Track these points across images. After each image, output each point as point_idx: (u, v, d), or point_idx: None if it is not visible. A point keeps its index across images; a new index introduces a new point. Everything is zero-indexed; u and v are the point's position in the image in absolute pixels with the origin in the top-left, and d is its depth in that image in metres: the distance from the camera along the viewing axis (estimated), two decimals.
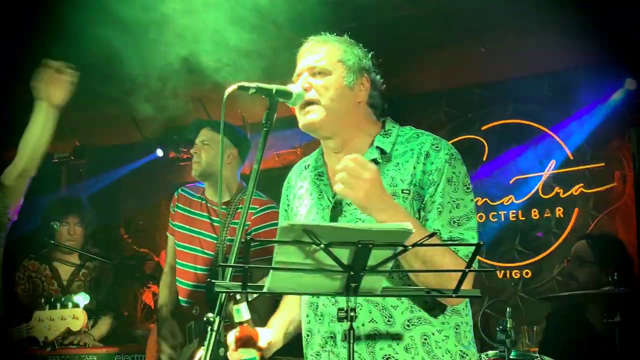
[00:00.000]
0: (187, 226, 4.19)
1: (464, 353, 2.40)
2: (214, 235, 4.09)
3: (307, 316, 2.51)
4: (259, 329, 2.48)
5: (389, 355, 2.34)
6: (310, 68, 2.47)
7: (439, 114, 5.93)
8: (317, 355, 2.46)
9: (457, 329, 2.41)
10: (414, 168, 2.39)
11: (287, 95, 2.42)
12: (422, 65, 5.50)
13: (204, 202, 4.19)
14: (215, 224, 4.10)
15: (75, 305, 3.15)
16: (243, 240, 1.90)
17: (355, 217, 2.39)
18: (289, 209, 2.67)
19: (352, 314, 2.00)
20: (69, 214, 5.31)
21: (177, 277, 4.18)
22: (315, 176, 2.56)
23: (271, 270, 1.95)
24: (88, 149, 7.22)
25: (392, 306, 2.35)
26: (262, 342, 2.44)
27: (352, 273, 1.94)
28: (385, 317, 2.35)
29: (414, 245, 1.86)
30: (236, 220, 4.03)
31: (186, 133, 6.49)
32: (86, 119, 6.89)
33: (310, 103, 2.44)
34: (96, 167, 7.14)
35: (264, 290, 1.99)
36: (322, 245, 1.84)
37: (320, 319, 2.45)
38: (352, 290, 1.99)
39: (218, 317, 2.15)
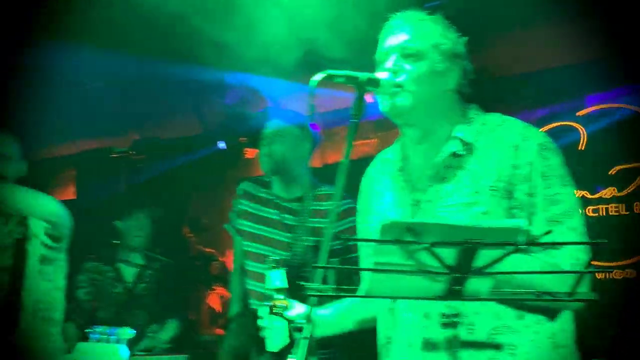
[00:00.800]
0: (255, 224, 4.18)
1: None
2: (287, 234, 4.07)
3: (386, 321, 2.48)
4: (297, 303, 2.59)
5: None
6: (401, 48, 2.44)
7: (528, 99, 5.83)
8: None
9: (553, 338, 2.34)
10: (501, 161, 2.34)
11: (375, 83, 2.42)
12: (508, 45, 5.42)
13: (272, 198, 4.18)
14: (286, 222, 4.09)
15: (120, 341, 3.23)
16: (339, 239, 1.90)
17: (437, 214, 2.37)
18: (368, 206, 2.66)
19: (455, 319, 2.00)
20: (136, 210, 5.44)
21: (248, 280, 4.18)
22: (395, 171, 2.54)
23: (369, 273, 1.95)
24: (148, 143, 7.34)
25: (474, 313, 2.29)
26: (292, 313, 2.51)
27: (456, 275, 1.93)
28: (469, 323, 2.29)
29: (528, 244, 1.83)
30: (313, 219, 4.01)
31: (253, 124, 6.57)
32: (145, 112, 7.03)
33: (398, 87, 2.43)
34: (157, 161, 7.25)
35: (359, 293, 2.00)
36: (426, 245, 1.84)
37: (401, 325, 2.42)
38: (455, 293, 1.98)
39: (309, 324, 2.16)
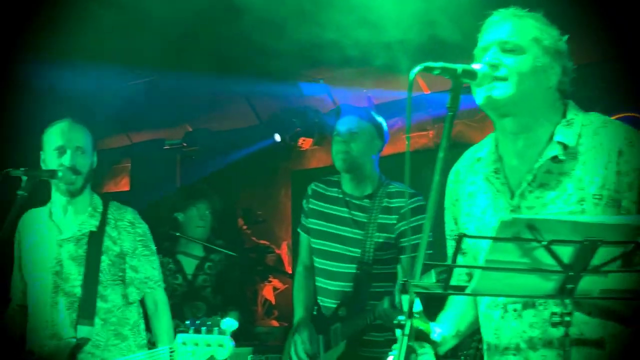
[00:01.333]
0: (325, 222, 4.17)
1: None
2: (358, 230, 4.06)
3: (489, 321, 2.43)
4: (430, 323, 2.45)
5: None
6: (501, 43, 2.37)
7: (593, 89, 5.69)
8: None
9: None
10: (606, 168, 2.26)
11: (472, 75, 2.36)
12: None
13: (342, 196, 4.18)
14: (356, 219, 4.08)
15: (222, 332, 3.17)
16: (457, 235, 1.85)
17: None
18: (458, 206, 2.59)
19: (567, 319, 1.95)
20: (198, 200, 5.44)
21: (318, 277, 4.19)
22: (490, 173, 2.47)
23: (479, 270, 1.91)
24: (201, 134, 7.34)
25: (585, 312, 2.23)
26: (435, 336, 2.35)
27: (571, 274, 1.88)
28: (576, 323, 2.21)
29: None
30: (384, 215, 4.00)
31: (310, 117, 6.55)
32: (198, 103, 7.03)
33: (497, 81, 2.37)
34: (210, 153, 7.24)
35: (467, 291, 1.96)
36: (544, 243, 1.79)
37: (507, 325, 2.37)
38: (567, 292, 1.93)
39: (409, 320, 2.12)
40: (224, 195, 6.21)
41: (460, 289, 1.98)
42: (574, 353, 2.17)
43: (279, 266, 6.84)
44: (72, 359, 3.47)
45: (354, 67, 5.83)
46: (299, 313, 4.25)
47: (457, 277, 2.57)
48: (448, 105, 2.32)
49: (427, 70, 2.29)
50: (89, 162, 3.68)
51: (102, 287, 3.63)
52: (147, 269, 3.77)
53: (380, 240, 3.97)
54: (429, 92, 6.02)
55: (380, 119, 4.18)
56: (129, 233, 3.73)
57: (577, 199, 2.26)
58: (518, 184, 2.39)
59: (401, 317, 2.12)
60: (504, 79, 2.34)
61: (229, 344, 3.15)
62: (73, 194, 3.64)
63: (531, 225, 1.78)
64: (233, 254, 5.40)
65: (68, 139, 3.62)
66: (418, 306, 2.29)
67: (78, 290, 3.58)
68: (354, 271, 4.02)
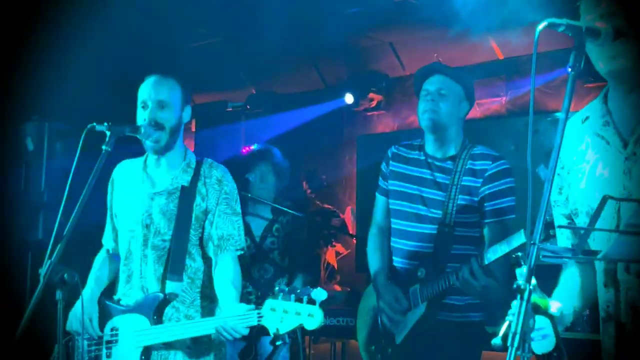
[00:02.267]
0: (406, 184, 4.08)
1: None
2: (440, 193, 3.98)
3: (604, 288, 2.29)
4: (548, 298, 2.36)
5: None
6: None
7: None
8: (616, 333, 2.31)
9: None
10: None
11: (597, 33, 2.26)
12: None
13: (424, 158, 4.08)
14: (439, 180, 4.00)
15: (311, 301, 3.10)
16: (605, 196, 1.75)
17: None
18: (563, 170, 2.49)
19: None
20: (261, 162, 5.39)
21: (395, 238, 4.12)
22: (599, 127, 2.38)
23: (617, 234, 1.82)
24: (265, 97, 7.30)
25: None
26: (554, 311, 2.25)
27: None
28: None
29: None
30: (468, 177, 3.90)
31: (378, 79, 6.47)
32: (263, 65, 6.98)
33: (618, 36, 2.27)
34: (274, 116, 7.20)
35: (600, 257, 1.87)
36: None
37: (620, 291, 2.28)
38: None
39: (529, 285, 2.03)
40: (289, 158, 6.18)
41: (592, 254, 1.88)
42: None
43: (343, 230, 6.79)
44: (158, 312, 3.45)
45: (424, 31, 5.72)
46: (376, 271, 4.18)
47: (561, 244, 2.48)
48: (570, 65, 2.23)
49: (552, 26, 2.19)
50: (173, 116, 3.58)
51: (191, 245, 3.58)
52: (228, 227, 3.62)
53: (463, 202, 3.88)
54: (503, 57, 5.89)
55: (469, 81, 4.07)
56: (215, 190, 3.62)
57: None
58: (631, 132, 2.29)
59: (520, 282, 2.04)
60: (625, 35, 2.24)
61: (319, 314, 3.10)
62: (157, 152, 3.59)
63: None
64: (301, 214, 5.33)
65: (149, 93, 3.56)
66: (533, 280, 2.21)
67: (167, 245, 3.54)
68: (435, 232, 3.94)
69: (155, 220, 3.59)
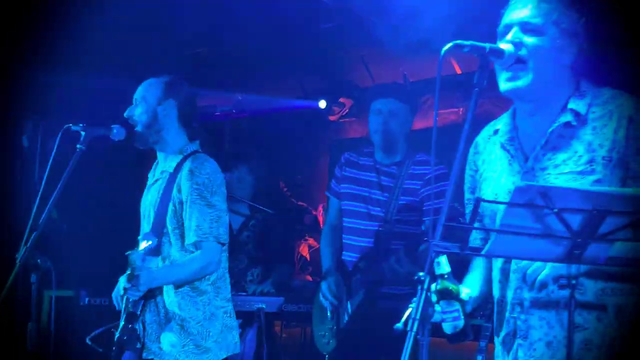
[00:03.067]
0: (356, 186, 4.28)
1: None
2: (385, 194, 4.17)
3: (500, 282, 2.43)
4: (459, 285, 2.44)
5: (579, 324, 2.23)
6: (523, 23, 2.36)
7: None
8: (507, 322, 2.40)
9: None
10: (615, 133, 2.25)
11: (499, 53, 2.35)
12: None
13: (373, 164, 4.27)
14: (383, 183, 4.16)
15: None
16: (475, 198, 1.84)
17: (550, 182, 2.28)
18: (477, 174, 2.58)
19: (573, 282, 1.95)
20: (240, 163, 5.46)
21: (346, 235, 4.28)
22: (505, 140, 2.47)
23: (495, 233, 1.91)
24: (249, 102, 7.35)
25: (584, 274, 2.21)
26: (463, 296, 2.32)
27: (578, 240, 1.88)
28: (578, 285, 2.22)
29: None
30: (410, 181, 4.11)
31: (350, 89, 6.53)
32: (246, 73, 7.04)
33: (518, 61, 2.36)
34: (257, 120, 7.27)
35: (483, 253, 1.96)
36: (555, 210, 1.78)
37: (510, 285, 2.37)
38: (575, 258, 1.92)
39: (428, 276, 2.12)
40: (267, 160, 6.23)
41: (476, 250, 1.97)
42: (577, 314, 2.18)
43: (315, 225, 6.87)
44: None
45: (392, 46, 5.78)
46: (326, 265, 4.38)
47: (472, 241, 2.57)
48: (475, 81, 2.31)
49: (458, 47, 2.28)
50: (144, 111, 3.51)
51: (167, 234, 3.45)
52: (197, 218, 3.35)
53: (404, 202, 4.07)
54: (461, 72, 5.96)
55: (416, 100, 4.28)
56: (186, 180, 3.39)
57: (587, 160, 2.25)
58: (532, 148, 2.38)
59: (421, 274, 2.12)
60: (525, 61, 2.33)
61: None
62: (142, 146, 3.54)
63: (543, 193, 1.77)
64: (272, 212, 5.42)
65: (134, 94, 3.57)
66: (448, 268, 2.29)
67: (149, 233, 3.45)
68: (376, 228, 4.11)
69: (147, 211, 3.57)
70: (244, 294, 5.07)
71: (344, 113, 6.68)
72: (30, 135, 5.51)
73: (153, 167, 3.69)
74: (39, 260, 3.18)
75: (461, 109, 6.14)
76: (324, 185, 7.10)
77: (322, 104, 6.70)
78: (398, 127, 4.17)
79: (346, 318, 4.17)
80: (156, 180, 3.59)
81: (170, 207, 3.44)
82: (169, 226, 3.44)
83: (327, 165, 7.11)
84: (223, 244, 3.45)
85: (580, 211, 1.79)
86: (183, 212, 3.41)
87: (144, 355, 3.39)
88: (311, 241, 6.85)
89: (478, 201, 1.85)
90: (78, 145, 3.34)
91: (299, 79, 6.92)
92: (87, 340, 3.41)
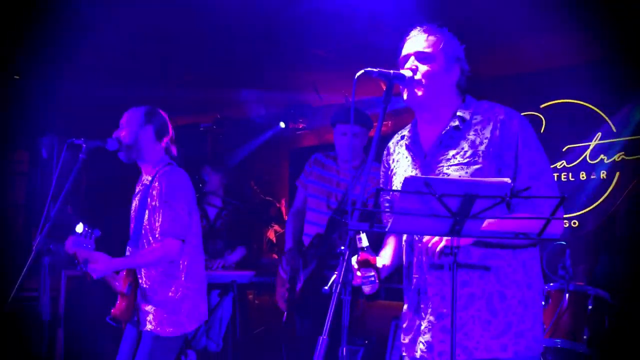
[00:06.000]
0: (320, 181, 4.40)
1: (529, 284, 2.34)
2: (341, 190, 4.31)
3: (406, 251, 2.49)
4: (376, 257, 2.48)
5: (465, 281, 2.30)
6: (417, 53, 2.42)
7: (507, 94, 5.73)
8: (411, 281, 2.45)
9: (524, 263, 2.34)
10: (492, 133, 2.32)
11: (401, 78, 2.40)
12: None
13: (336, 165, 4.40)
14: (341, 182, 4.33)
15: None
16: (374, 189, 1.89)
17: (442, 173, 2.35)
18: (388, 171, 2.63)
19: (455, 251, 2.00)
20: (210, 166, 5.49)
21: (307, 220, 4.38)
22: (410, 143, 2.52)
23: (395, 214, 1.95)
24: (227, 120, 7.34)
25: (469, 245, 2.27)
26: (378, 264, 2.38)
27: (457, 219, 1.92)
28: (465, 251, 2.30)
29: (511, 196, 1.82)
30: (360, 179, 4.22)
31: (313, 111, 6.58)
32: (222, 98, 7.02)
33: (416, 82, 2.41)
34: (233, 134, 7.25)
35: (387, 229, 2.00)
36: (436, 195, 1.83)
37: (414, 253, 2.43)
38: (456, 232, 1.97)
39: (348, 250, 2.16)
40: (243, 165, 6.24)
41: (382, 228, 2.01)
42: (465, 274, 2.25)
43: (278, 215, 6.89)
44: None
45: (337, 72, 5.82)
46: (288, 244, 4.42)
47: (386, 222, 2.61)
48: (383, 100, 2.36)
49: (368, 73, 2.33)
50: (127, 134, 3.45)
51: (146, 236, 3.40)
52: (161, 218, 3.31)
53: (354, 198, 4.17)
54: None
55: (369, 123, 4.38)
56: (155, 189, 3.38)
57: (471, 154, 2.31)
58: (429, 147, 2.44)
59: (342, 248, 2.16)
60: (420, 82, 2.38)
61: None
62: (126, 160, 3.49)
63: (427, 183, 1.82)
64: (239, 204, 5.46)
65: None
66: (367, 243, 2.33)
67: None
68: (329, 215, 4.20)
69: (131, 217, 3.55)
70: (221, 269, 5.08)
71: (299, 127, 6.69)
72: (48, 148, 5.46)
73: (139, 178, 3.65)
74: (51, 246, 3.16)
75: (390, 122, 6.20)
76: (285, 184, 7.14)
77: (282, 124, 6.72)
78: (359, 144, 4.30)
79: (300, 284, 4.24)
80: (139, 191, 3.55)
81: (146, 213, 3.40)
82: (147, 228, 3.40)
83: (287, 167, 7.14)
84: (182, 240, 3.32)
85: (455, 196, 1.83)
86: (154, 215, 3.36)
87: (140, 327, 3.38)
88: (276, 227, 6.85)
89: (378, 191, 1.88)
90: (80, 155, 3.32)
91: (264, 102, 6.90)
92: (108, 319, 3.32)
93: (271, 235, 6.87)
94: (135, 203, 3.54)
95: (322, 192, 4.33)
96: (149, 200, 3.41)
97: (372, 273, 2.31)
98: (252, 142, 7.01)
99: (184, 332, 3.36)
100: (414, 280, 2.42)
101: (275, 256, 6.72)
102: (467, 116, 2.39)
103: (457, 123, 2.39)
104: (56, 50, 5.06)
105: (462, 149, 2.35)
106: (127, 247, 3.49)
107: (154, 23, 4.74)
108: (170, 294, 3.36)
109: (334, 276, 2.19)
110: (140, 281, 3.39)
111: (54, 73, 5.40)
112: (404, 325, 2.48)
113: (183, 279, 3.41)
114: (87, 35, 4.78)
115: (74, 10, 4.49)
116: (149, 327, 3.33)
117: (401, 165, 2.54)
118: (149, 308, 3.35)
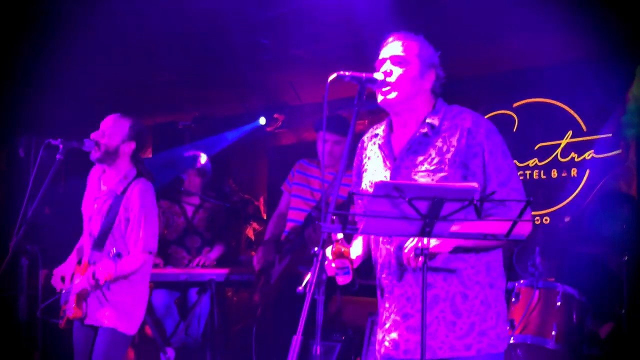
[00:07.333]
0: (303, 183, 4.54)
1: (492, 284, 2.38)
2: (321, 190, 4.46)
3: (374, 249, 2.52)
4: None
5: (430, 283, 2.33)
6: (393, 57, 2.44)
7: (480, 93, 5.79)
8: (379, 281, 2.49)
9: (487, 264, 2.38)
10: (458, 141, 2.34)
11: (373, 81, 2.42)
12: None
13: (318, 168, 4.53)
14: (324, 183, 4.50)
15: None
16: (346, 194, 1.92)
17: (410, 177, 2.38)
18: (361, 166, 2.65)
19: (426, 252, 2.03)
20: (189, 165, 5.46)
21: (289, 217, 4.50)
22: (382, 143, 2.53)
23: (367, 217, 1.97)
24: (205, 119, 7.31)
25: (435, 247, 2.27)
26: (352, 256, 2.39)
27: (427, 221, 1.96)
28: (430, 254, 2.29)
29: (480, 200, 1.85)
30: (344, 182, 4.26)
31: (291, 109, 6.59)
32: (199, 96, 7.00)
33: (388, 85, 2.43)
34: (211, 132, 7.22)
35: (359, 231, 2.02)
36: (406, 199, 1.86)
37: (385, 254, 2.45)
38: (426, 233, 2.01)
39: (322, 250, 2.18)
40: (222, 163, 6.23)
41: (355, 230, 2.04)
42: (429, 276, 2.27)
43: (257, 213, 6.89)
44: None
45: (313, 74, 5.82)
46: (266, 237, 4.64)
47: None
48: (355, 102, 2.38)
49: (340, 77, 2.34)
50: (109, 142, 3.50)
51: (119, 244, 3.46)
52: (136, 231, 3.44)
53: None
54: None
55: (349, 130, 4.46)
56: (129, 202, 3.47)
57: (437, 161, 2.33)
58: (399, 152, 2.46)
59: (316, 249, 2.18)
60: (394, 85, 2.40)
61: None
62: (98, 162, 3.54)
63: (397, 187, 1.84)
64: (220, 202, 5.45)
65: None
66: (341, 235, 2.34)
67: (95, 237, 3.48)
68: (307, 212, 4.34)
69: (91, 216, 3.55)
70: (197, 266, 5.07)
71: (278, 125, 6.69)
72: (25, 148, 5.41)
73: (98, 175, 3.64)
74: (27, 247, 3.15)
75: (366, 120, 6.22)
76: (264, 182, 7.13)
77: (262, 120, 6.70)
78: (338, 152, 4.39)
79: (275, 277, 4.33)
80: (103, 196, 3.56)
81: (119, 222, 3.45)
82: (118, 238, 3.46)
83: (266, 165, 7.13)
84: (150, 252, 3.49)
85: (424, 199, 1.87)
86: (128, 226, 3.44)
87: (85, 322, 3.45)
88: (255, 225, 6.86)
89: (350, 195, 1.90)
90: (57, 156, 3.31)
91: (243, 100, 6.89)
92: (38, 314, 3.33)
93: (250, 233, 6.88)
94: (97, 205, 3.55)
95: (304, 192, 4.49)
96: (122, 209, 3.45)
97: (347, 264, 2.33)
98: (231, 136, 6.97)
99: (135, 333, 3.50)
100: (382, 280, 2.46)
101: (254, 253, 6.72)
102: (436, 122, 2.41)
103: (425, 130, 2.41)
104: (33, 50, 5.02)
105: (430, 155, 2.38)
106: (91, 248, 3.47)
107: (133, 23, 4.71)
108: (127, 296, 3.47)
109: (308, 276, 2.21)
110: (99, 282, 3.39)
111: (32, 72, 5.34)
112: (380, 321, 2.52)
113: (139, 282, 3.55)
114: (65, 34, 4.74)
115: (52, 10, 4.46)
116: (106, 322, 3.41)
117: (372, 163, 2.56)
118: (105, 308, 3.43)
